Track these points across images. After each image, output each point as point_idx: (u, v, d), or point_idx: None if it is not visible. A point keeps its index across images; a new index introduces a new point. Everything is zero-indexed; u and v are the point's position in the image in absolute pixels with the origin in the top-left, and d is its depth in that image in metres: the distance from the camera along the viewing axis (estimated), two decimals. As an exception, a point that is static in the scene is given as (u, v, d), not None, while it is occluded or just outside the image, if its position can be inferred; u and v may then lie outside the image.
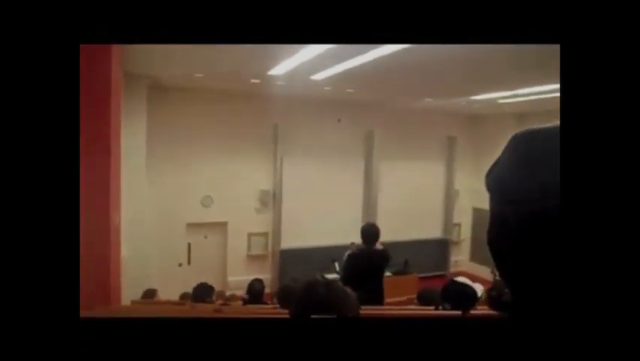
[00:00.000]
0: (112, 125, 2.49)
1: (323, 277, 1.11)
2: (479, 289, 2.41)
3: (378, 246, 4.35)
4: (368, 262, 4.14)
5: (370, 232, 4.20)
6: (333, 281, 1.10)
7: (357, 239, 8.43)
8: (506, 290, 0.52)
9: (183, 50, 4.76)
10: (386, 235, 4.95)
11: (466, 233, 10.67)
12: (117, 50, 2.58)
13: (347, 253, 6.62)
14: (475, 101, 7.79)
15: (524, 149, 0.47)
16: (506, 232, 0.48)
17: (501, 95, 7.08)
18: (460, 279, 2.46)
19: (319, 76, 5.77)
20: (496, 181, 0.52)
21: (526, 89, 6.34)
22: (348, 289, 1.05)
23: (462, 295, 2.27)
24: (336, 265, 6.85)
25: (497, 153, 0.56)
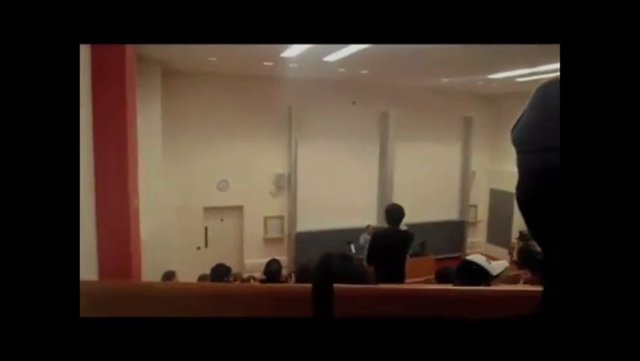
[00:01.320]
0: (128, 111, 2.52)
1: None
2: (500, 265, 2.39)
3: (403, 226, 4.38)
4: (393, 241, 4.17)
5: (395, 212, 4.22)
6: (348, 255, 1.15)
7: (373, 221, 8.48)
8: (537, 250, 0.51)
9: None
10: (402, 217, 4.94)
11: (482, 215, 10.59)
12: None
13: (365, 235, 6.63)
14: (493, 80, 7.63)
15: (549, 97, 0.46)
16: (534, 185, 0.47)
17: (519, 74, 6.92)
18: (475, 257, 2.45)
19: (332, 57, 5.71)
20: (521, 133, 0.50)
21: (545, 67, 6.18)
22: (361, 265, 1.09)
23: (474, 273, 2.27)
24: (352, 246, 6.90)
25: None
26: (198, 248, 7.98)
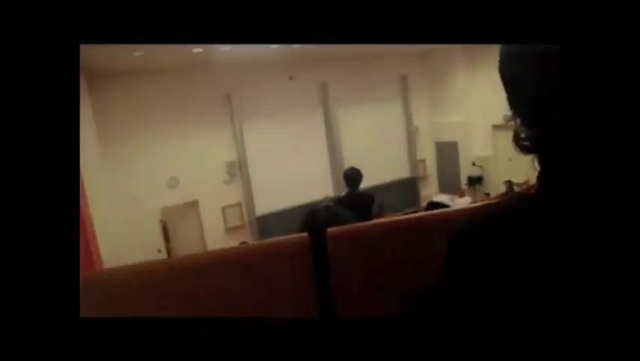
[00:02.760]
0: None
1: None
2: (465, 202, 2.54)
3: (362, 190, 4.44)
4: (356, 204, 4.20)
5: (353, 176, 4.24)
6: (331, 206, 1.20)
7: (329, 191, 8.57)
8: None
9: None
10: (358, 183, 5.02)
11: (431, 168, 10.99)
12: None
13: (324, 204, 6.69)
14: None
15: None
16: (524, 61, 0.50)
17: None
18: (440, 197, 2.58)
19: (263, 35, 5.61)
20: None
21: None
22: (347, 212, 1.13)
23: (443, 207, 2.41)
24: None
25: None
26: (159, 251, 7.78)
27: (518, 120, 0.52)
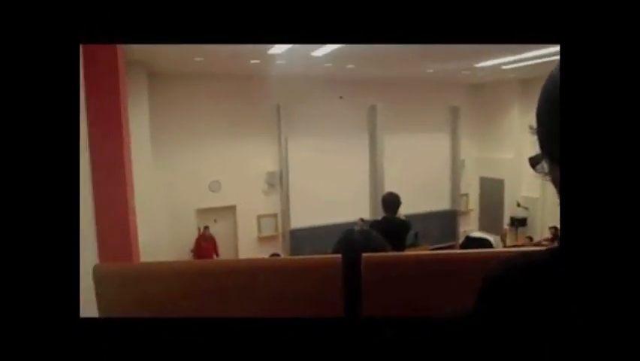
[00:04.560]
0: (122, 117, 2.50)
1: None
2: (494, 239, 2.45)
3: (401, 217, 4.35)
4: (390, 229, 4.11)
5: (391, 201, 4.16)
6: (367, 230, 1.21)
7: (366, 214, 8.49)
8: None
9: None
10: (396, 209, 4.95)
11: (473, 203, 10.68)
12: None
13: (356, 228, 6.64)
14: (478, 68, 7.69)
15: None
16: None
17: (504, 61, 6.98)
18: (475, 234, 2.49)
19: (319, 52, 5.70)
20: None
21: (530, 53, 6.24)
22: (382, 238, 1.16)
23: (479, 245, 2.31)
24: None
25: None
26: (192, 251, 7.94)
27: (544, 162, 0.54)
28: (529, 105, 8.92)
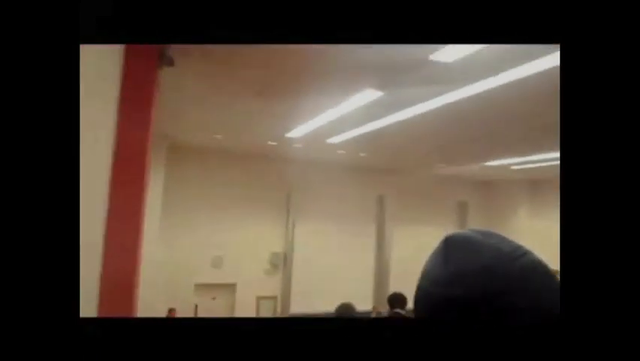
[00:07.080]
0: (144, 186, 2.53)
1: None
2: None
3: (406, 312, 4.38)
4: None
5: (398, 301, 4.30)
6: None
7: (368, 306, 8.20)
8: None
9: (206, 111, 4.95)
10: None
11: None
12: (154, 111, 2.67)
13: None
14: (488, 167, 7.87)
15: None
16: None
17: (514, 162, 7.15)
18: None
19: (335, 139, 5.90)
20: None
21: (539, 156, 6.41)
22: None
23: None
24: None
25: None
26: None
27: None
28: (537, 208, 8.96)
